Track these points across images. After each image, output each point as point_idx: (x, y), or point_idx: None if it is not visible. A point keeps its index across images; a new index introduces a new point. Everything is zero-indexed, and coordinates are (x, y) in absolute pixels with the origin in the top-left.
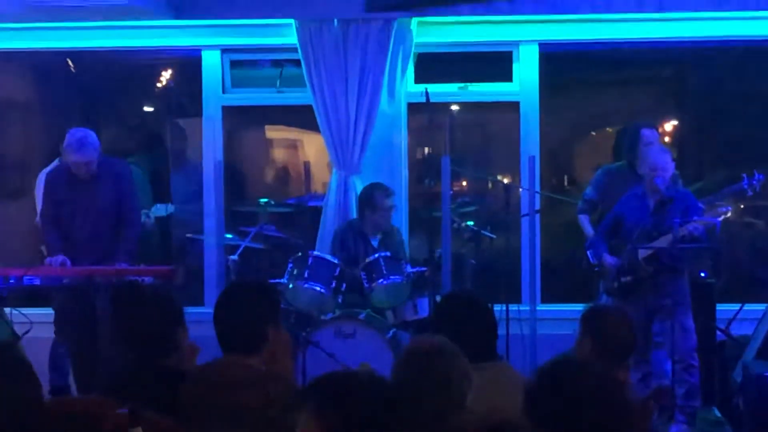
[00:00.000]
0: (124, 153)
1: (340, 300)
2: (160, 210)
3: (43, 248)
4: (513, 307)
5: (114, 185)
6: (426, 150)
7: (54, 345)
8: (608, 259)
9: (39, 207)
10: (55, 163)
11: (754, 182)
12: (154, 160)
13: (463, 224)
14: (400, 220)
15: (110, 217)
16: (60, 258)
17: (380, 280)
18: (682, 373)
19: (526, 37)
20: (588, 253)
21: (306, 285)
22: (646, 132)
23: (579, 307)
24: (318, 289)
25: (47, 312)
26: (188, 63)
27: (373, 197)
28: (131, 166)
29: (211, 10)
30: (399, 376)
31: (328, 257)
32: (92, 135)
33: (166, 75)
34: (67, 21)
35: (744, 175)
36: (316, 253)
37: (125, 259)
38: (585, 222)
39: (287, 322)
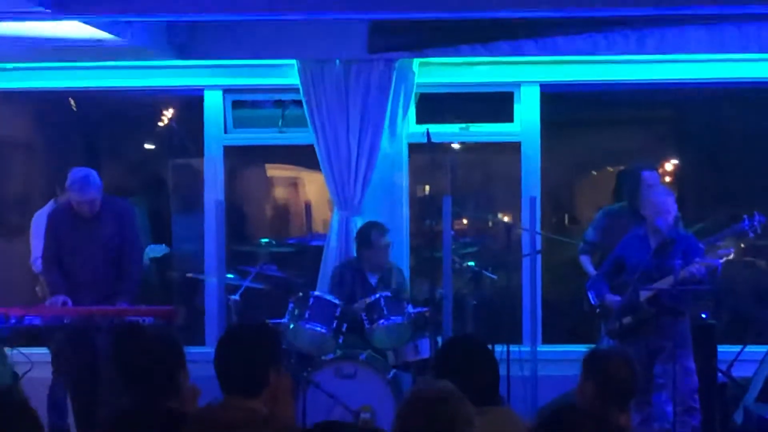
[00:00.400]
0: (126, 192)
1: (340, 340)
2: (155, 251)
3: (38, 289)
4: (514, 348)
5: (116, 224)
6: (427, 190)
7: (53, 385)
8: (610, 298)
9: (33, 248)
10: (50, 204)
11: (755, 223)
12: (156, 200)
13: (465, 264)
14: (402, 259)
15: (112, 256)
16: (61, 298)
17: (381, 321)
18: (684, 416)
19: (527, 77)
20: (589, 294)
21: (307, 325)
22: (647, 174)
23: (580, 348)
24: (319, 329)
25: (47, 351)
26: (190, 103)
27: (369, 235)
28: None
29: (213, 51)
30: (403, 423)
31: (329, 297)
32: (94, 174)
33: (167, 114)
34: (69, 61)
35: (745, 216)
36: (317, 293)
37: (126, 299)
38: (586, 263)
39: (288, 362)
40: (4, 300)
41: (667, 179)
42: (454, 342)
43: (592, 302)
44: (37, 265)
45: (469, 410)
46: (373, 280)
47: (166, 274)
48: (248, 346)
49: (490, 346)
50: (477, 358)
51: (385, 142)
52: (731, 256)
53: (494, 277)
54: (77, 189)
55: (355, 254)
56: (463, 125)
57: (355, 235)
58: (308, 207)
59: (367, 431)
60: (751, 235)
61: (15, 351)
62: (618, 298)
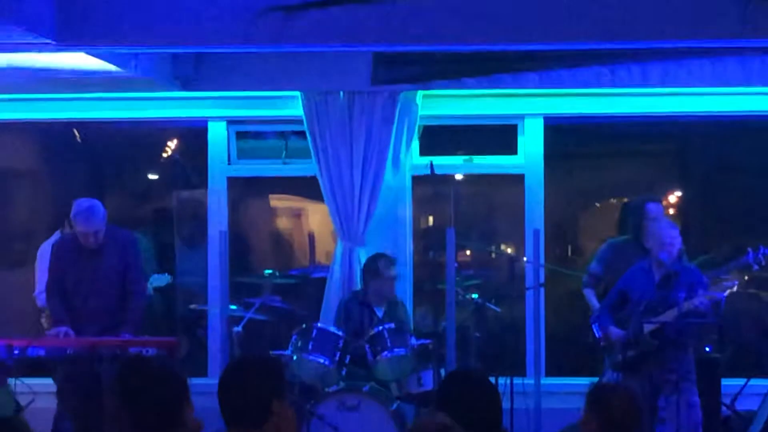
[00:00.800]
0: (130, 223)
1: (344, 372)
2: (159, 280)
3: (43, 321)
4: (517, 380)
5: (120, 255)
6: (431, 221)
7: (56, 417)
8: (614, 332)
9: (38, 281)
10: (56, 234)
11: (760, 256)
12: (160, 231)
13: (468, 296)
14: (405, 291)
15: (116, 287)
16: (63, 329)
17: (384, 353)
18: None
19: (531, 110)
20: (593, 327)
21: (310, 357)
22: (651, 206)
23: (584, 380)
24: (322, 361)
25: (50, 382)
26: (194, 134)
27: (376, 266)
28: (137, 235)
29: (217, 82)
30: None
31: (332, 329)
32: (99, 205)
33: (172, 146)
34: (73, 92)
35: (749, 249)
36: (320, 324)
37: (130, 330)
38: (590, 296)
39: (291, 394)
40: (8, 330)
41: (671, 211)
42: (456, 376)
43: (597, 335)
44: (41, 299)
45: None
46: (379, 313)
47: (170, 306)
48: (251, 377)
49: (493, 379)
50: (479, 391)
51: (388, 173)
52: (735, 289)
53: (497, 309)
54: (82, 220)
55: (360, 285)
56: (467, 157)
57: (362, 265)
58: (312, 238)
59: None
60: (756, 268)
61: (18, 381)
62: (622, 331)
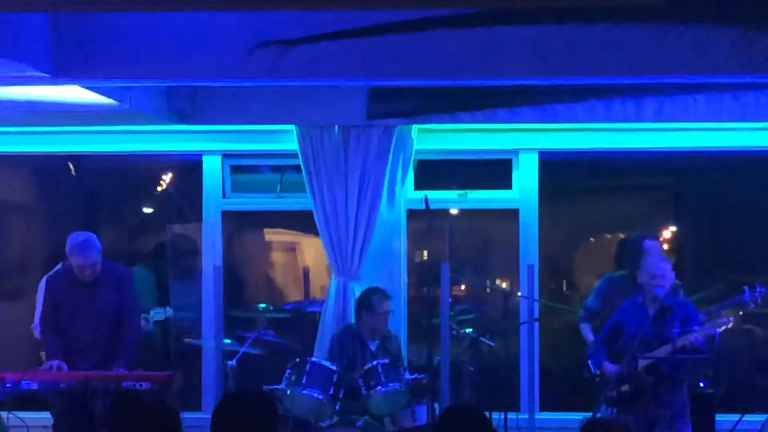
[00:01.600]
0: (124, 256)
1: (337, 407)
2: (159, 314)
3: (42, 354)
4: (512, 415)
5: (115, 289)
6: (425, 256)
7: None
8: (609, 367)
9: (38, 311)
10: (59, 266)
11: (756, 294)
12: (154, 265)
13: (462, 331)
14: (399, 325)
15: (110, 321)
16: (56, 362)
17: (378, 387)
18: None
19: (525, 145)
20: (589, 362)
21: (304, 391)
22: (648, 243)
23: (578, 415)
24: (316, 395)
25: (43, 416)
26: (189, 167)
27: (370, 301)
28: (140, 268)
29: (212, 116)
30: None
31: (326, 363)
32: (94, 238)
33: (166, 179)
34: (68, 125)
35: (746, 287)
36: (314, 359)
37: (123, 364)
38: (586, 330)
39: (285, 428)
40: (3, 364)
41: (666, 247)
42: (453, 411)
43: (593, 371)
44: (36, 332)
45: None
46: (372, 346)
47: (164, 339)
48: (244, 412)
49: (487, 413)
50: (475, 426)
51: (383, 208)
52: (730, 325)
53: (492, 343)
54: (78, 253)
55: (353, 319)
56: (462, 192)
57: (356, 299)
58: (306, 272)
59: None
60: (752, 305)
61: (11, 415)
62: (615, 367)
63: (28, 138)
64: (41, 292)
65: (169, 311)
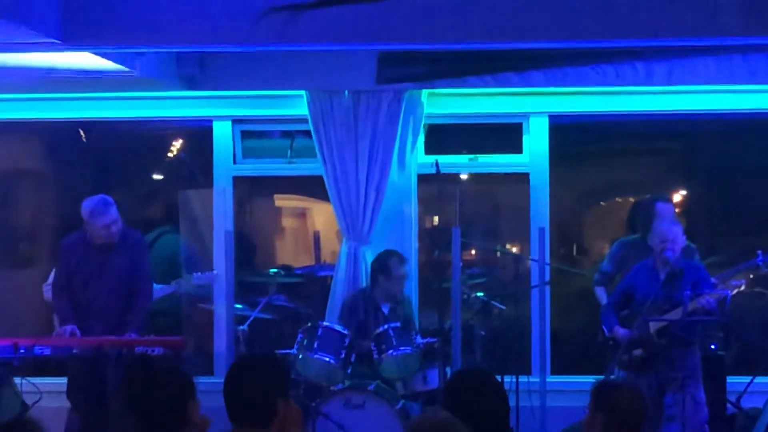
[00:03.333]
0: (135, 222)
1: (349, 371)
2: (203, 278)
3: (55, 318)
4: (523, 379)
5: (128, 255)
6: (436, 221)
7: (70, 415)
8: (620, 331)
9: (51, 275)
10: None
11: None
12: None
13: (473, 295)
14: (410, 290)
15: (123, 286)
16: (69, 328)
17: (390, 351)
18: None
19: (536, 108)
20: (604, 325)
21: (315, 356)
22: (660, 206)
23: (589, 378)
24: (327, 359)
25: (57, 381)
26: (199, 133)
27: (387, 264)
28: (170, 235)
29: (222, 82)
30: None
31: (338, 328)
32: (107, 197)
33: (177, 145)
34: (79, 92)
35: (759, 251)
36: (325, 323)
37: (136, 330)
38: (602, 294)
39: (297, 392)
40: (15, 330)
41: (677, 210)
42: (463, 374)
43: (606, 334)
44: (46, 291)
45: None
46: (385, 309)
47: (176, 305)
48: (257, 376)
49: (498, 377)
50: (487, 390)
51: (394, 172)
52: (742, 288)
53: (503, 307)
54: (98, 213)
55: (364, 283)
56: (472, 156)
57: (371, 263)
58: (317, 237)
59: None
60: (765, 270)
61: (24, 381)
62: (626, 331)
63: (39, 105)
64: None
65: (215, 274)
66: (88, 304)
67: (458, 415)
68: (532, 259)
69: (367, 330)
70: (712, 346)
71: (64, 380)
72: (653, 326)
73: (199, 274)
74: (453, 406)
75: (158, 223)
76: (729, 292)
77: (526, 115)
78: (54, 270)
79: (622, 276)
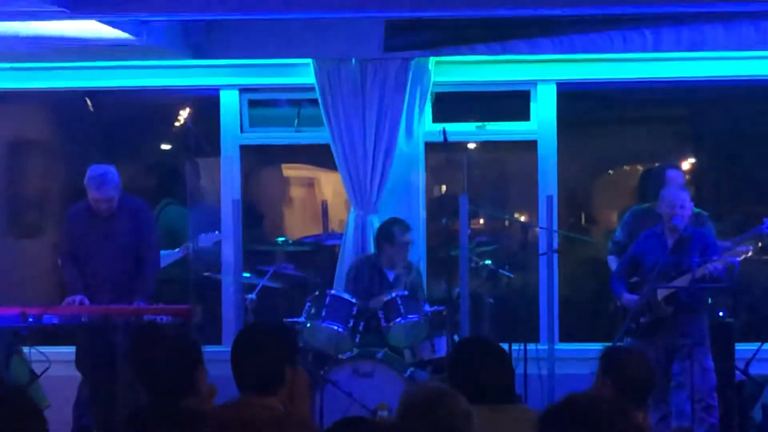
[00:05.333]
0: (142, 191)
1: (357, 339)
2: (209, 238)
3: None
4: (531, 347)
5: (133, 223)
6: (443, 189)
7: (81, 385)
8: (628, 298)
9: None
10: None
11: None
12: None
13: (481, 263)
14: (418, 258)
15: (129, 255)
16: (78, 297)
17: (398, 319)
18: (702, 413)
19: (543, 76)
20: (613, 293)
21: (323, 324)
22: (671, 173)
23: (597, 346)
24: (335, 328)
25: (65, 350)
26: (206, 102)
27: (391, 232)
28: (173, 207)
29: (229, 50)
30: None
31: (346, 296)
32: (113, 172)
33: (184, 114)
34: (85, 60)
35: (765, 219)
36: (333, 292)
37: (143, 298)
38: (613, 263)
39: (305, 361)
40: (23, 299)
41: (685, 178)
42: (467, 343)
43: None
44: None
45: (465, 406)
46: (390, 276)
47: (184, 273)
48: (264, 344)
49: (506, 345)
50: (491, 357)
51: (401, 141)
52: (750, 254)
53: (511, 275)
54: (95, 187)
55: (373, 250)
56: (480, 124)
57: (376, 230)
58: (324, 206)
59: (388, 427)
60: None
61: (33, 350)
62: (635, 297)
63: (46, 74)
64: None
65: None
66: (94, 273)
67: (463, 382)
68: (540, 227)
69: (371, 295)
70: (721, 313)
71: (72, 349)
72: (661, 293)
73: (203, 235)
74: (457, 374)
75: (165, 192)
76: (737, 259)
77: (533, 83)
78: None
79: None
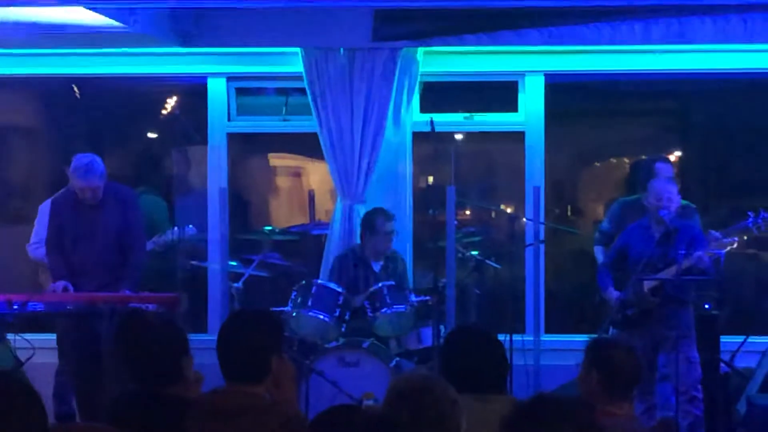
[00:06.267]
0: (129, 179)
1: (343, 328)
2: (180, 233)
3: (41, 277)
4: (517, 338)
5: (119, 211)
6: (431, 179)
7: (58, 372)
8: (613, 294)
9: (33, 233)
10: (64, 190)
11: (759, 221)
12: (159, 188)
13: (468, 254)
14: (405, 249)
15: (115, 243)
16: (62, 284)
17: (384, 309)
18: (687, 405)
19: (531, 67)
20: (599, 286)
21: (310, 313)
22: (660, 166)
23: (583, 337)
24: (322, 317)
25: (50, 337)
26: (194, 90)
27: (374, 222)
28: (151, 196)
29: (217, 39)
30: (390, 414)
31: (332, 285)
32: (98, 161)
33: (171, 102)
34: (73, 47)
35: (750, 213)
36: (320, 281)
37: (129, 286)
38: (600, 254)
39: (291, 350)
40: (8, 286)
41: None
42: (462, 331)
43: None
44: (31, 251)
45: (452, 394)
46: (376, 267)
47: (170, 262)
48: (250, 332)
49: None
50: (485, 346)
51: (389, 131)
52: (735, 245)
53: (497, 266)
54: (80, 176)
55: (358, 241)
56: (467, 114)
57: (360, 221)
58: (311, 195)
59: (374, 416)
60: (755, 231)
61: (18, 337)
62: (619, 293)
63: (33, 60)
64: (41, 213)
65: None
66: (80, 261)
67: (454, 370)
68: (527, 219)
69: (358, 287)
70: (706, 306)
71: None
72: (647, 285)
73: (177, 228)
74: (451, 360)
75: (151, 180)
76: (722, 251)
77: (521, 74)
78: (35, 229)
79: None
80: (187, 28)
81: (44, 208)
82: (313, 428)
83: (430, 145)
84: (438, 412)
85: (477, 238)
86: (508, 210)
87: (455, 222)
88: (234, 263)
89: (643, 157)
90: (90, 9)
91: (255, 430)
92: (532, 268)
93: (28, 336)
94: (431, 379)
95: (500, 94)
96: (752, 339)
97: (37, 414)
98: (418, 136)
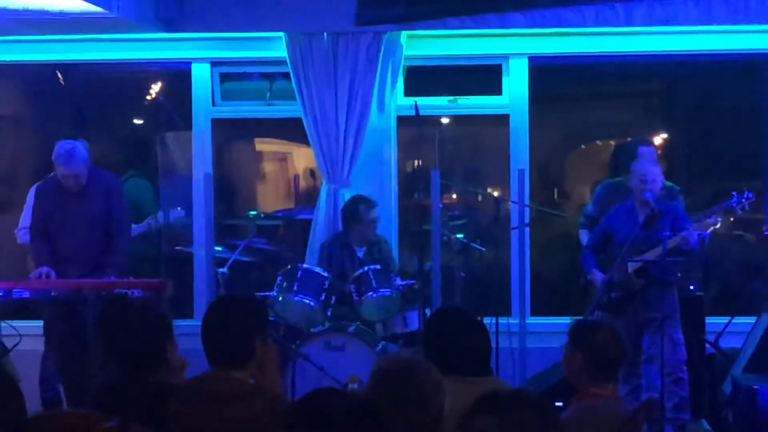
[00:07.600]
0: (113, 165)
1: (329, 313)
2: (166, 215)
3: (29, 262)
4: (502, 320)
5: (103, 198)
6: (415, 163)
7: (44, 358)
8: (597, 276)
9: (22, 217)
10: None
11: (743, 200)
12: (144, 174)
13: (453, 237)
14: (390, 232)
15: (99, 229)
16: (44, 269)
17: (370, 293)
18: (672, 386)
19: (515, 50)
20: (583, 268)
21: (295, 298)
22: (643, 149)
23: (568, 320)
24: (307, 301)
25: (37, 324)
26: (178, 76)
27: (357, 210)
28: (137, 179)
29: (200, 23)
30: (375, 395)
31: (318, 270)
32: (81, 148)
33: (155, 88)
34: (56, 33)
35: (734, 192)
36: (305, 265)
37: (114, 272)
38: (584, 237)
39: (276, 334)
40: None
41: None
42: (443, 312)
43: (588, 276)
44: (20, 236)
45: (436, 376)
46: (360, 253)
47: (155, 247)
48: (234, 317)
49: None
50: (469, 328)
51: (373, 115)
52: (718, 225)
53: (483, 249)
54: (63, 162)
55: (342, 227)
56: (452, 98)
57: (341, 209)
58: (296, 180)
59: (358, 400)
60: (739, 211)
61: (3, 324)
62: (603, 275)
63: (15, 46)
64: (30, 199)
65: (181, 211)
66: (65, 248)
67: (437, 352)
68: (512, 201)
69: (345, 273)
70: (691, 287)
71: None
72: (631, 266)
73: (163, 211)
74: (434, 343)
75: (136, 166)
76: (706, 232)
77: (505, 57)
78: (23, 213)
79: None
80: (171, 13)
81: (33, 193)
82: (295, 411)
83: (414, 128)
84: (421, 394)
85: (462, 222)
86: (494, 193)
87: (440, 205)
88: (219, 248)
89: (629, 139)
90: None
91: (239, 414)
92: (518, 251)
93: (14, 323)
94: (414, 361)
95: (484, 77)
96: (737, 319)
97: (14, 402)
98: (402, 120)
